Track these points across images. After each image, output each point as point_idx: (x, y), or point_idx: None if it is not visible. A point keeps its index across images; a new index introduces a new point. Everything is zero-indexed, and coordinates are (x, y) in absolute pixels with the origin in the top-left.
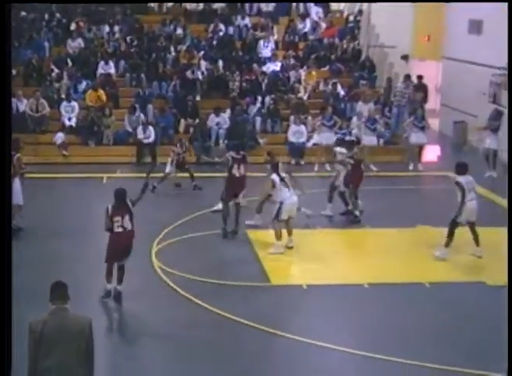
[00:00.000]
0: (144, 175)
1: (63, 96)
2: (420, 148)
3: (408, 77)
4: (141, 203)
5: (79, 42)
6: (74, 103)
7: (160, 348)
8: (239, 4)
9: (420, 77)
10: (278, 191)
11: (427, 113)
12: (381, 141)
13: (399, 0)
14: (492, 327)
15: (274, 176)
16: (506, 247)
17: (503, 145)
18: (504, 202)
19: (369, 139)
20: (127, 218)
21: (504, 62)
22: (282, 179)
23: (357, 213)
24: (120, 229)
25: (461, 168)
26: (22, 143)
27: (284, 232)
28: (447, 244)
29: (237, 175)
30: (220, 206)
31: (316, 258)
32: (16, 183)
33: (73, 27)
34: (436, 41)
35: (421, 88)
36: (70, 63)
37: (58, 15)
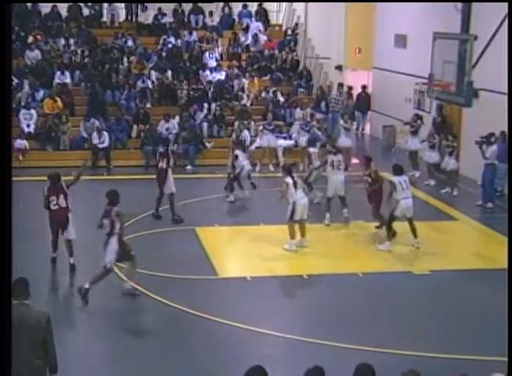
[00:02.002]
0: (100, 177)
1: (23, 104)
2: (347, 150)
3: (341, 85)
4: (95, 205)
5: (36, 54)
6: (33, 111)
7: (113, 338)
8: (186, 19)
9: (363, 87)
10: (291, 192)
11: (366, 118)
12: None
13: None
14: (417, 311)
15: (287, 179)
16: (434, 239)
17: (423, 145)
18: (429, 199)
19: (304, 140)
20: (61, 197)
21: (426, 72)
22: (294, 182)
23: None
24: (55, 207)
25: (397, 169)
26: None
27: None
28: (388, 238)
29: (158, 166)
30: (232, 198)
31: (259, 252)
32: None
33: (30, 39)
34: (366, 53)
35: (365, 96)
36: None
37: (16, 28)
